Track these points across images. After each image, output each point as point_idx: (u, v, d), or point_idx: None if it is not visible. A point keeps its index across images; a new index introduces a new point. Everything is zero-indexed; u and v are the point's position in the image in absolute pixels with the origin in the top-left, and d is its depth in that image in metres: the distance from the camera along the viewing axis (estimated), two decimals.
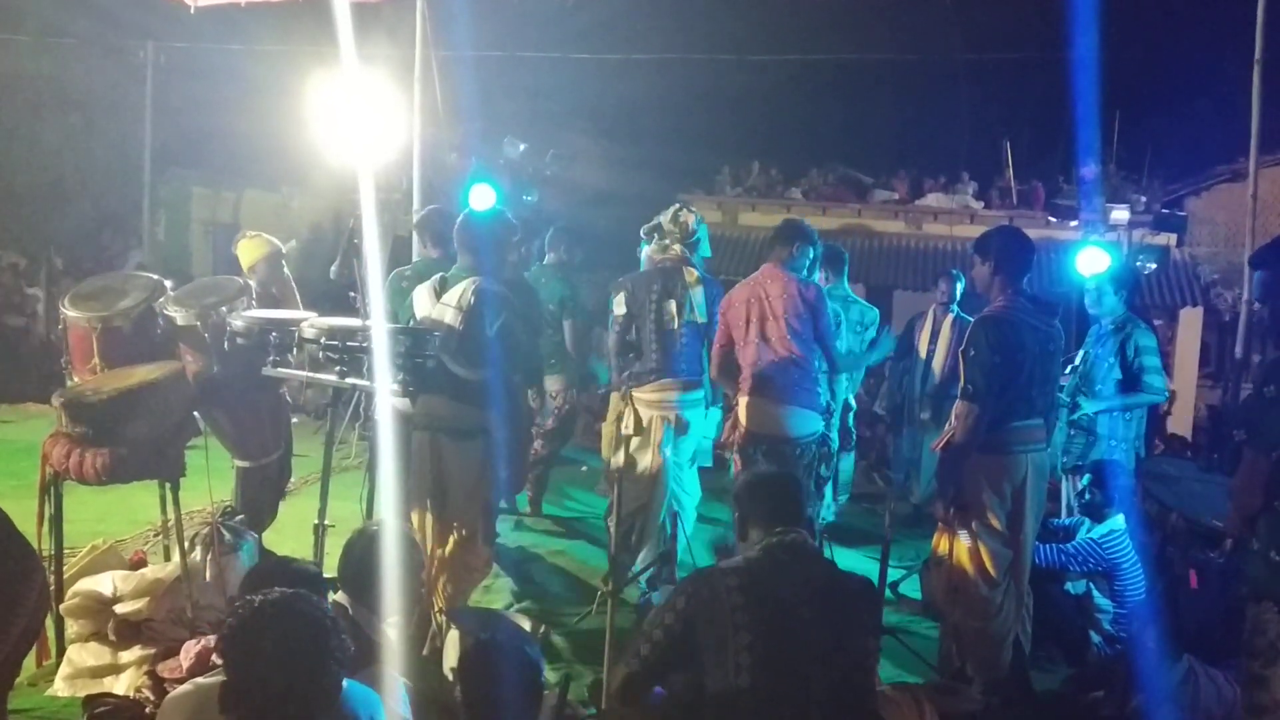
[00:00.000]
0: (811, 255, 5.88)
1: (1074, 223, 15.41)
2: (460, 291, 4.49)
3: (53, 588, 4.56)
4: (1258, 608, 3.35)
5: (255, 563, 4.73)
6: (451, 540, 4.58)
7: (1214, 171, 16.73)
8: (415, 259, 8.30)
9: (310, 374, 4.73)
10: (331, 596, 3.47)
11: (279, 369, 4.67)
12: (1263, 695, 3.33)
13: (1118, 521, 5.44)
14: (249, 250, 6.14)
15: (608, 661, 4.36)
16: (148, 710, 3.91)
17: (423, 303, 4.66)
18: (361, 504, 5.46)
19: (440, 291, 4.62)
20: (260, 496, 5.58)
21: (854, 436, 7.78)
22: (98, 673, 4.39)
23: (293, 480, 8.01)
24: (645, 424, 5.83)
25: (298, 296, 6.28)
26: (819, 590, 3.02)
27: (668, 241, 5.89)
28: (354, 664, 2.73)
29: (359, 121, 5.47)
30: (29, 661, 4.42)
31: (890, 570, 5.29)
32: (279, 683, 2.42)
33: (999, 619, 4.60)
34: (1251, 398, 3.48)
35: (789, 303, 5.56)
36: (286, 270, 6.29)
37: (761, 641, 2.87)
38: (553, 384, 7.44)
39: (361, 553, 3.53)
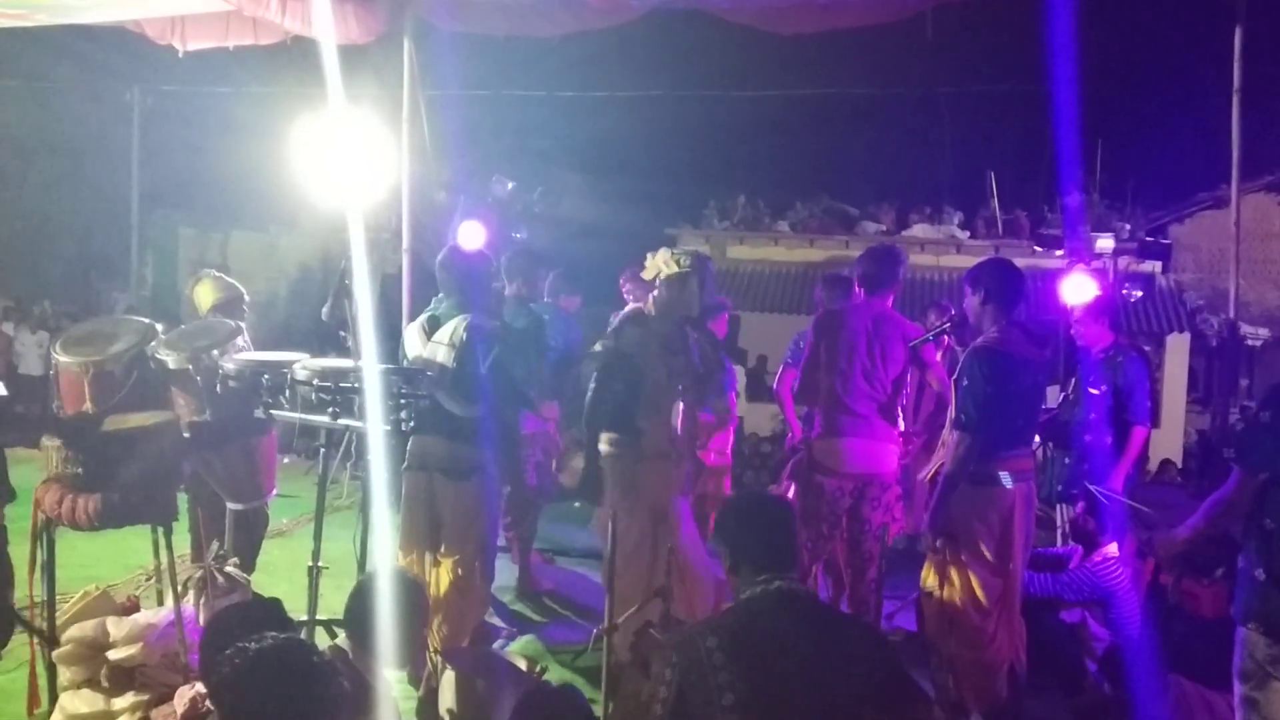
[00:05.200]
0: None
1: (1059, 252, 15.53)
2: (452, 329, 4.52)
3: (45, 634, 4.55)
4: (1245, 630, 3.35)
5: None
6: (447, 580, 4.57)
7: (1197, 199, 16.90)
8: (404, 298, 8.34)
9: (304, 415, 4.72)
10: (333, 641, 3.44)
11: (272, 411, 4.67)
12: (1256, 718, 3.33)
13: (1111, 549, 5.45)
14: (208, 292, 5.84)
15: (604, 700, 4.35)
16: None
17: (413, 343, 4.68)
18: (355, 545, 5.44)
19: (430, 331, 4.64)
20: (252, 539, 5.54)
21: None
22: None
23: (285, 521, 8.00)
24: None
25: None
26: (810, 640, 2.86)
27: None
28: (354, 710, 2.71)
29: (347, 162, 5.48)
30: (21, 710, 4.39)
31: (884, 601, 5.28)
32: None
33: (992, 648, 4.60)
34: (1247, 421, 3.52)
35: (893, 344, 5.45)
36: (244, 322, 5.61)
37: (746, 701, 2.73)
38: None
39: (371, 598, 3.47)
